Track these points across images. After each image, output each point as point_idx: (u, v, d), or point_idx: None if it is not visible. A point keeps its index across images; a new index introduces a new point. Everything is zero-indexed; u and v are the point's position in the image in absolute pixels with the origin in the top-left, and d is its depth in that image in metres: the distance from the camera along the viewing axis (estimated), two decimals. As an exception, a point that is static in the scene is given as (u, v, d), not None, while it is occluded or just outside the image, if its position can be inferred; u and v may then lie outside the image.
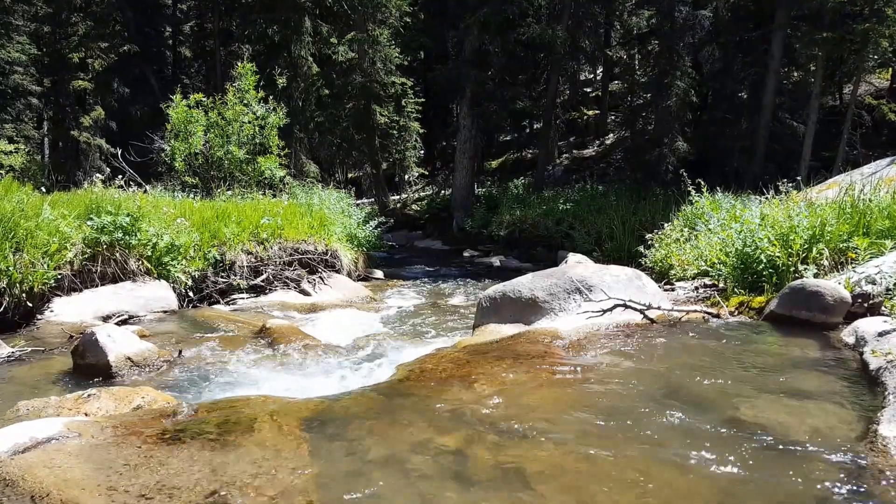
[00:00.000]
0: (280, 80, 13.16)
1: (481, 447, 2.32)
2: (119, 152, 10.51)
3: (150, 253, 6.17)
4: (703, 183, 7.58)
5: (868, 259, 4.33)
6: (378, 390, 3.18)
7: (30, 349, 4.26)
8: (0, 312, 4.82)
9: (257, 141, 10.98)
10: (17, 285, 4.91)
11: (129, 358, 3.86)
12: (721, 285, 5.20)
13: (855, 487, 1.96)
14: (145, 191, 8.34)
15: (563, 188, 16.21)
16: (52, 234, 5.41)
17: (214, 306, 6.52)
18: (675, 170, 13.53)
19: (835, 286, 3.79)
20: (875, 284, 3.85)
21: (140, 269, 6.05)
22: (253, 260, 7.34)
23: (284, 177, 11.70)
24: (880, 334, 3.20)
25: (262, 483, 2.08)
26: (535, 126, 24.14)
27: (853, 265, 4.37)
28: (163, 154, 10.89)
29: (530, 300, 4.41)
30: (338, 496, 2.02)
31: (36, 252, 5.15)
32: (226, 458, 2.25)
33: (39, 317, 5.09)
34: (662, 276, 6.62)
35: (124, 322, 5.26)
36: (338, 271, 8.45)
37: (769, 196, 6.27)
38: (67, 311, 5.22)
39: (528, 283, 4.54)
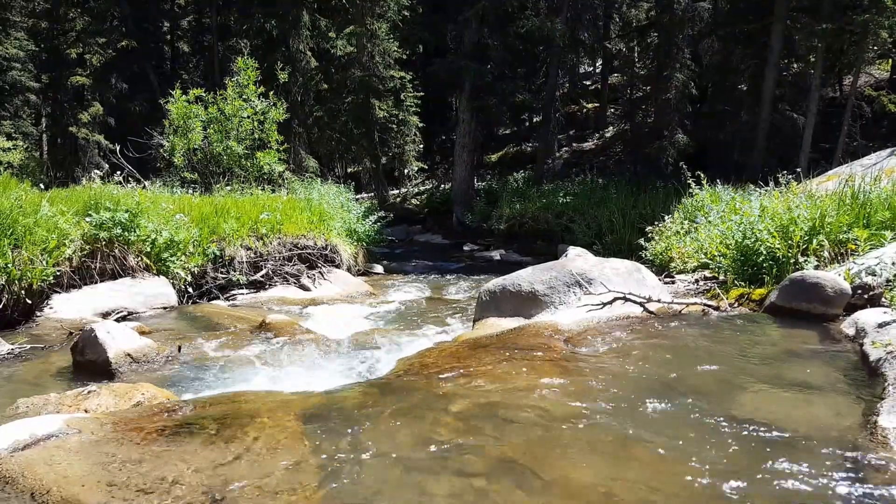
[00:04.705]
0: (282, 75, 13.08)
1: (481, 440, 2.33)
2: (118, 148, 10.47)
3: (149, 249, 6.16)
4: (703, 175, 7.57)
5: (868, 250, 4.33)
6: (378, 384, 3.19)
7: (29, 346, 4.26)
8: (-1, 309, 4.82)
9: (256, 136, 10.94)
10: (16, 282, 4.89)
11: (128, 354, 3.86)
12: (721, 278, 5.19)
13: (854, 478, 1.97)
14: (144, 187, 8.32)
15: (563, 181, 16.16)
16: (50, 230, 5.39)
17: (214, 302, 6.51)
18: (675, 162, 13.51)
19: (835, 278, 3.79)
20: (875, 276, 3.85)
21: (139, 266, 6.04)
22: (252, 255, 7.33)
23: (283, 172, 11.66)
24: (880, 325, 3.20)
25: (262, 478, 2.08)
26: (534, 119, 24.09)
27: (853, 256, 4.36)
28: (162, 150, 10.86)
29: (530, 294, 4.41)
30: (338, 490, 2.02)
31: (34, 249, 5.13)
32: (226, 454, 2.25)
33: (38, 314, 5.07)
34: (663, 268, 6.60)
35: (124, 318, 5.26)
36: (337, 266, 8.44)
37: (769, 188, 6.25)
38: (66, 307, 5.21)
39: (527, 277, 4.53)
